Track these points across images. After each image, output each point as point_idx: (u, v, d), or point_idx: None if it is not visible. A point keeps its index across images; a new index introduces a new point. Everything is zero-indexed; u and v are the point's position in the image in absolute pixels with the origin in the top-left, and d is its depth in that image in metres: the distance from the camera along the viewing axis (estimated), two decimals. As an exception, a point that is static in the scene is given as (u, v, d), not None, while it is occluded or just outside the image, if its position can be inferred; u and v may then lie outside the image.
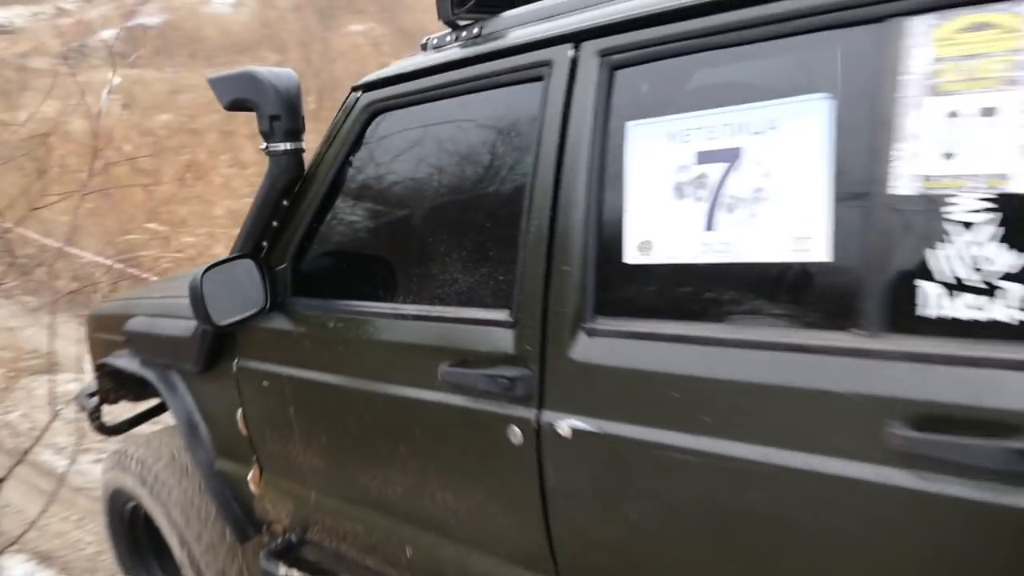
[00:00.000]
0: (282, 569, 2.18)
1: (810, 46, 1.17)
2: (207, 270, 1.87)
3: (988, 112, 1.01)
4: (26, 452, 2.32)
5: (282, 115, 1.85)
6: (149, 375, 2.51)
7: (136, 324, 2.54)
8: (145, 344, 2.51)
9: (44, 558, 3.54)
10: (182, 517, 2.49)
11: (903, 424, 1.04)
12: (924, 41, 1.06)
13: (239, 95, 1.87)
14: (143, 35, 19.91)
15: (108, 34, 20.90)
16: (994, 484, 0.99)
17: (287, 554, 2.25)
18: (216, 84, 1.90)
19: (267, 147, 1.89)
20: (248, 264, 1.96)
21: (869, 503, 1.09)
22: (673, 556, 1.36)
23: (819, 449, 1.13)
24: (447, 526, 1.75)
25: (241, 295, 1.96)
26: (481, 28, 1.64)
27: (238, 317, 1.92)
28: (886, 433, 1.05)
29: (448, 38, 1.71)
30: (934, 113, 1.05)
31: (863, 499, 1.10)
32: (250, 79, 1.85)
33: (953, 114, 1.03)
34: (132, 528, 2.88)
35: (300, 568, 2.18)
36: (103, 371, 2.82)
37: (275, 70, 1.88)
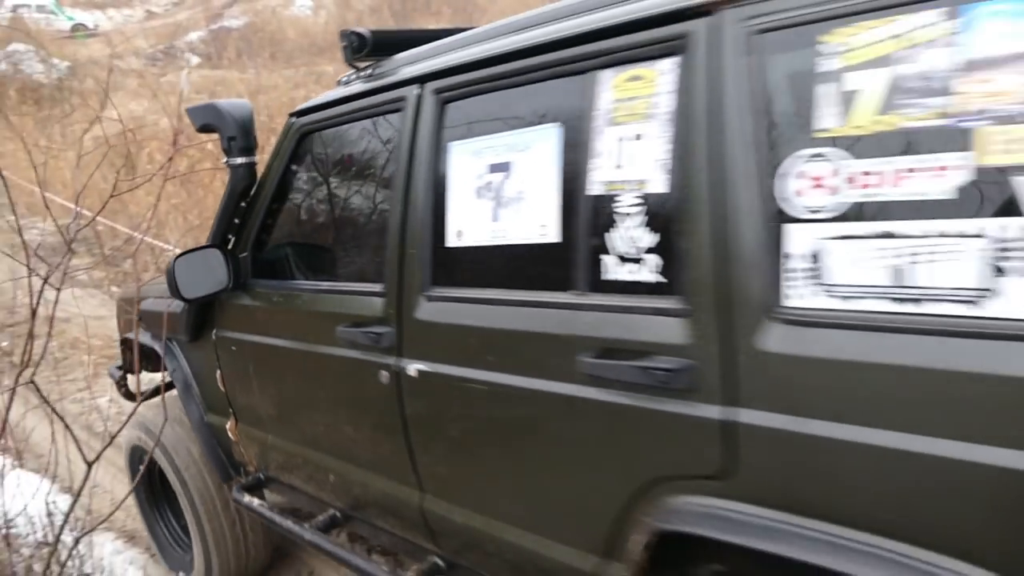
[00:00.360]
0: (247, 498, 2.72)
1: (550, 89, 1.64)
2: (179, 256, 2.42)
3: (638, 137, 1.46)
4: (114, 436, 2.77)
5: (237, 136, 2.39)
6: (156, 345, 3.08)
7: (147, 304, 3.13)
8: (153, 320, 3.09)
9: (131, 537, 3.85)
10: (181, 463, 3.05)
11: (589, 354, 1.50)
12: (607, 88, 1.52)
13: (206, 121, 2.41)
14: (227, 37, 20.93)
15: (194, 36, 22.00)
16: (638, 393, 1.44)
17: (255, 488, 2.79)
18: (191, 112, 2.45)
19: (227, 161, 2.43)
20: (215, 252, 2.50)
21: (574, 411, 1.55)
22: (479, 460, 1.83)
23: (549, 375, 1.59)
24: (351, 454, 2.25)
25: (210, 277, 2.50)
26: (373, 70, 2.14)
27: (203, 293, 2.46)
28: (579, 361, 1.51)
29: (353, 77, 2.22)
30: (611, 137, 1.50)
31: (572, 408, 1.55)
32: (213, 109, 2.39)
33: (620, 138, 1.49)
34: (149, 478, 3.47)
35: (260, 498, 2.72)
36: (125, 346, 3.41)
37: (234, 101, 2.42)
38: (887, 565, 1.15)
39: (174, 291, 2.41)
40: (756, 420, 1.29)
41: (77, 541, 2.78)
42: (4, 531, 3.06)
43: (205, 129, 2.43)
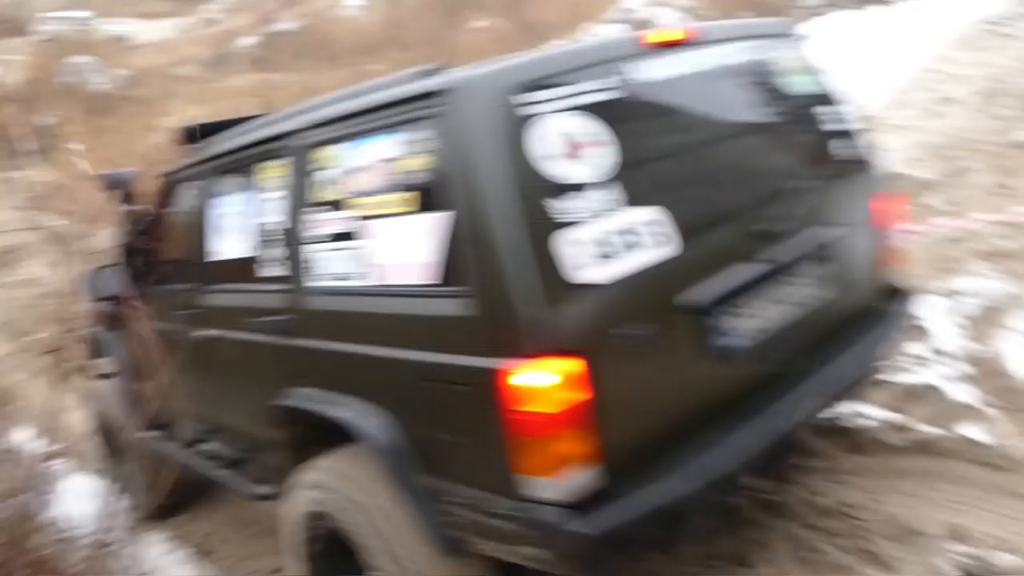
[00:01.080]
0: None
1: (248, 171, 2.91)
2: (93, 270, 3.75)
3: (272, 198, 2.72)
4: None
5: (123, 193, 3.72)
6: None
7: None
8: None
9: (179, 538, 4.11)
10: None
11: (255, 316, 2.76)
12: (262, 172, 2.78)
13: (106, 185, 3.75)
14: (281, 40, 21.29)
15: (249, 41, 21.67)
16: (270, 335, 2.70)
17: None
18: (99, 179, 3.79)
19: (122, 208, 3.77)
20: (120, 268, 3.83)
21: (254, 349, 2.82)
22: (231, 383, 3.12)
23: (244, 329, 2.85)
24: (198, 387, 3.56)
25: (115, 284, 3.82)
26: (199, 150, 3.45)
27: (108, 295, 3.78)
28: (251, 320, 2.77)
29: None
30: (263, 198, 2.77)
31: (253, 347, 2.82)
32: (107, 178, 3.73)
33: (265, 199, 2.75)
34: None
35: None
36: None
37: (120, 171, 3.76)
38: (345, 408, 2.37)
39: (85, 294, 3.75)
40: (306, 344, 2.54)
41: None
42: (63, 533, 3.37)
43: (107, 188, 3.76)
